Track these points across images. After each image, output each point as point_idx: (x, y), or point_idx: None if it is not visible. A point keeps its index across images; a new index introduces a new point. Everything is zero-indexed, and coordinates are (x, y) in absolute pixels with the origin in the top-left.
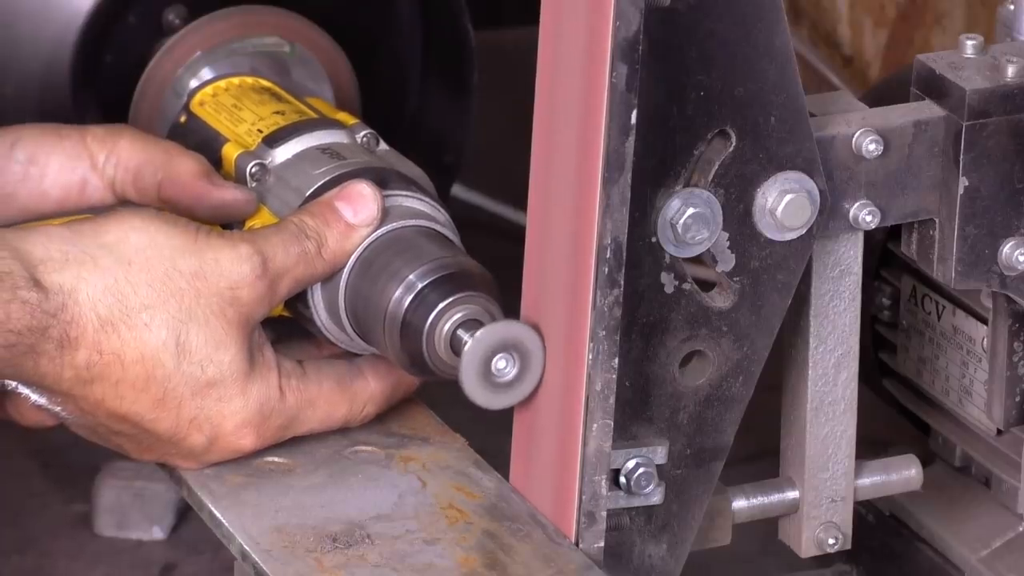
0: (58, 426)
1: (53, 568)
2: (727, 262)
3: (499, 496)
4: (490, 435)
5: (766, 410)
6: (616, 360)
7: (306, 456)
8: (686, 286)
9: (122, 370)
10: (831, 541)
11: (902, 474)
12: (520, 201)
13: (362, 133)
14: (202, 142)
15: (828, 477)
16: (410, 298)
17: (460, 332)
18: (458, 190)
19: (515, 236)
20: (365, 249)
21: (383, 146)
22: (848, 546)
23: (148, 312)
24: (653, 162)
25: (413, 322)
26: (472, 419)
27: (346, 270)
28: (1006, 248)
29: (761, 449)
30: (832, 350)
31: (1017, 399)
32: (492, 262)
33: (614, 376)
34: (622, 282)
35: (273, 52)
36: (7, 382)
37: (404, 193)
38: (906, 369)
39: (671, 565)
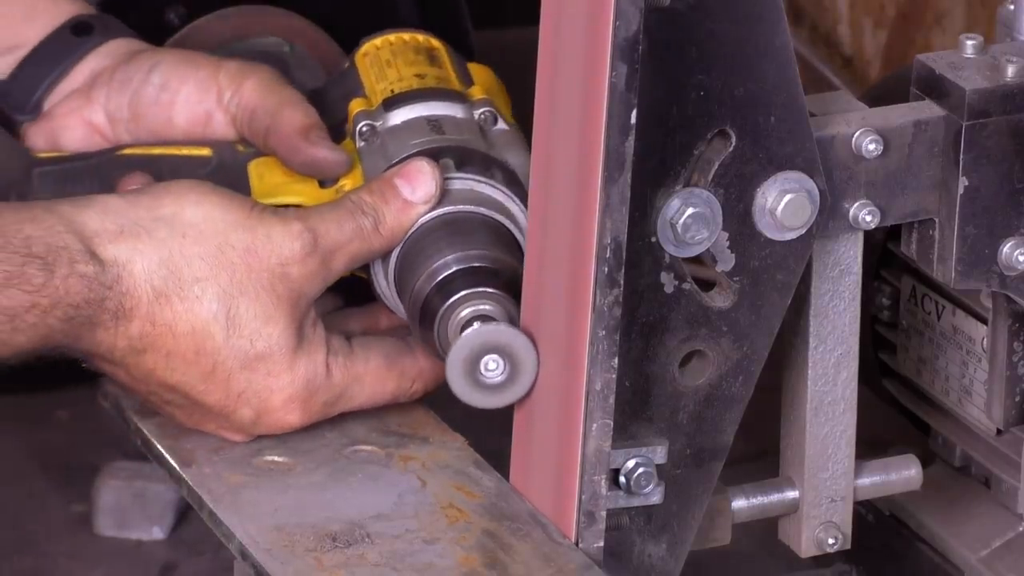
0: (58, 426)
1: (53, 568)
2: (727, 262)
3: (499, 496)
4: (490, 435)
5: (766, 410)
6: (616, 360)
7: (306, 455)
8: (686, 286)
9: (173, 341)
10: (831, 541)
11: (902, 474)
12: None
13: (482, 110)
14: (348, 92)
15: (828, 477)
16: (433, 283)
17: (469, 324)
18: None
19: None
20: (418, 228)
21: (500, 125)
22: (848, 546)
23: (200, 285)
24: (653, 162)
25: (430, 306)
26: (472, 419)
27: (399, 244)
28: (1006, 248)
29: (761, 449)
30: (832, 350)
31: (1017, 399)
32: None
33: (614, 376)
34: (622, 282)
35: (273, 52)
36: None
37: (478, 178)
38: (906, 369)
39: (671, 565)
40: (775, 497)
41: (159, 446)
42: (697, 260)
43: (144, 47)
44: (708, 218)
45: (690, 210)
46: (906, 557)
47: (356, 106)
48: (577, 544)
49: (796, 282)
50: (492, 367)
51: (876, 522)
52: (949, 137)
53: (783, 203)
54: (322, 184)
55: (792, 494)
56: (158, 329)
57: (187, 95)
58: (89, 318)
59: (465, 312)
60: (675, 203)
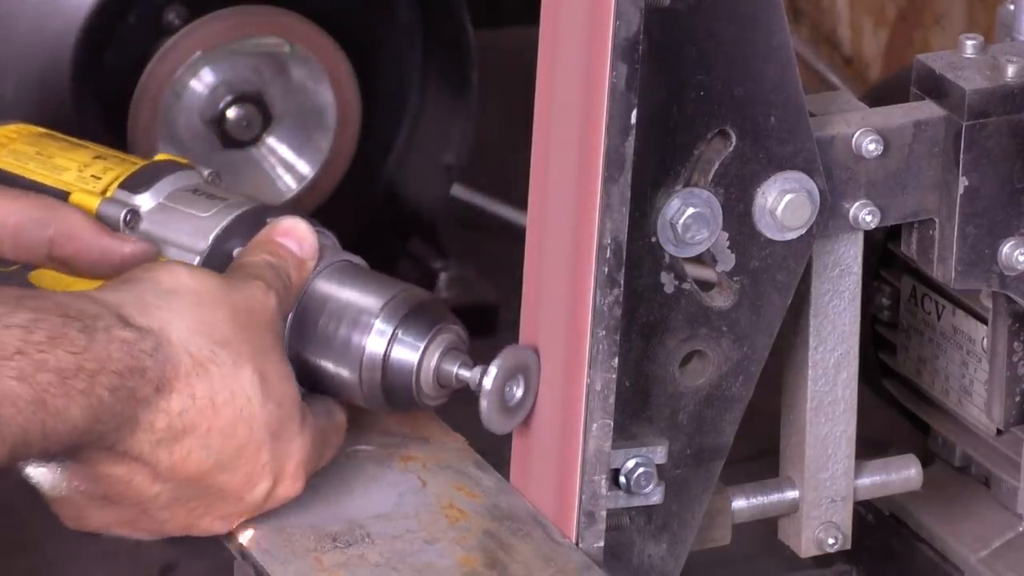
0: None
1: (53, 568)
2: (727, 262)
3: (499, 496)
4: (490, 435)
5: (766, 410)
6: (616, 360)
7: None
8: (686, 286)
9: (214, 414)
10: (831, 541)
11: (902, 474)
12: (520, 201)
13: (207, 172)
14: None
15: (828, 477)
16: (385, 344)
17: (446, 365)
18: (458, 190)
19: (515, 236)
20: (309, 286)
21: (216, 179)
22: (848, 546)
23: (231, 349)
24: (653, 162)
25: (396, 367)
26: (472, 419)
27: (287, 322)
28: (1006, 248)
29: (761, 449)
30: (832, 350)
31: (1017, 399)
32: (492, 262)
33: (614, 376)
34: (622, 282)
35: (273, 52)
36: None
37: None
38: (906, 369)
39: (671, 565)
40: (775, 497)
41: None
42: (697, 260)
43: None
44: (708, 218)
45: (690, 210)
46: (906, 557)
47: (85, 200)
48: (577, 544)
49: (796, 282)
50: (514, 389)
51: (876, 522)
52: (949, 137)
53: (783, 203)
54: None
55: (792, 494)
56: (199, 403)
57: None
58: (132, 392)
59: (436, 357)
60: (675, 203)
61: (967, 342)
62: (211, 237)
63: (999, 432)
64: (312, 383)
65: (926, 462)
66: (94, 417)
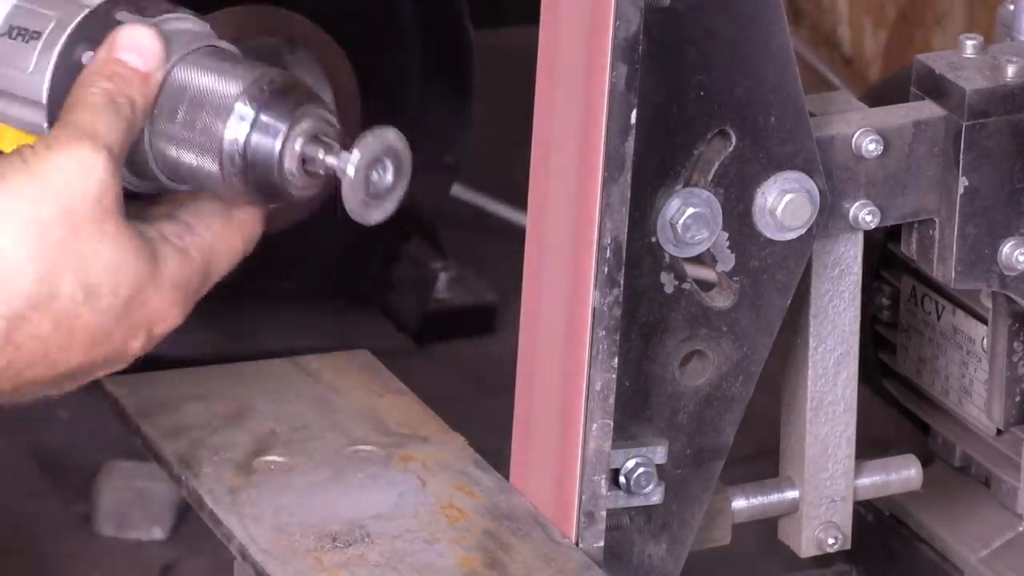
0: (58, 426)
1: (53, 568)
2: (727, 262)
3: (499, 496)
4: (490, 435)
5: (766, 410)
6: (616, 360)
7: (305, 455)
8: (686, 286)
9: (44, 347)
10: (831, 541)
11: (902, 474)
12: (520, 201)
13: None
14: None
15: (828, 477)
16: (246, 129)
17: (310, 151)
18: (458, 190)
19: (515, 236)
20: (159, 93)
21: None
22: (848, 546)
23: (45, 283)
24: (653, 162)
25: (258, 153)
26: (472, 419)
27: (147, 119)
28: (1006, 248)
29: (761, 449)
30: (832, 350)
31: (1017, 399)
32: (492, 262)
33: (614, 376)
34: (622, 282)
35: (273, 52)
36: None
37: (164, 17)
38: (906, 369)
39: (671, 565)
40: (775, 497)
41: (159, 446)
42: (697, 260)
43: None
44: (708, 218)
45: (690, 210)
46: (906, 557)
47: None
48: (577, 544)
49: (796, 282)
50: (382, 171)
51: (876, 522)
52: (949, 137)
53: (783, 203)
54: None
55: (792, 494)
56: (24, 350)
57: None
58: None
59: (299, 141)
60: (675, 203)
61: (967, 342)
62: (55, 53)
63: (999, 432)
64: (179, 179)
65: (926, 462)
66: None
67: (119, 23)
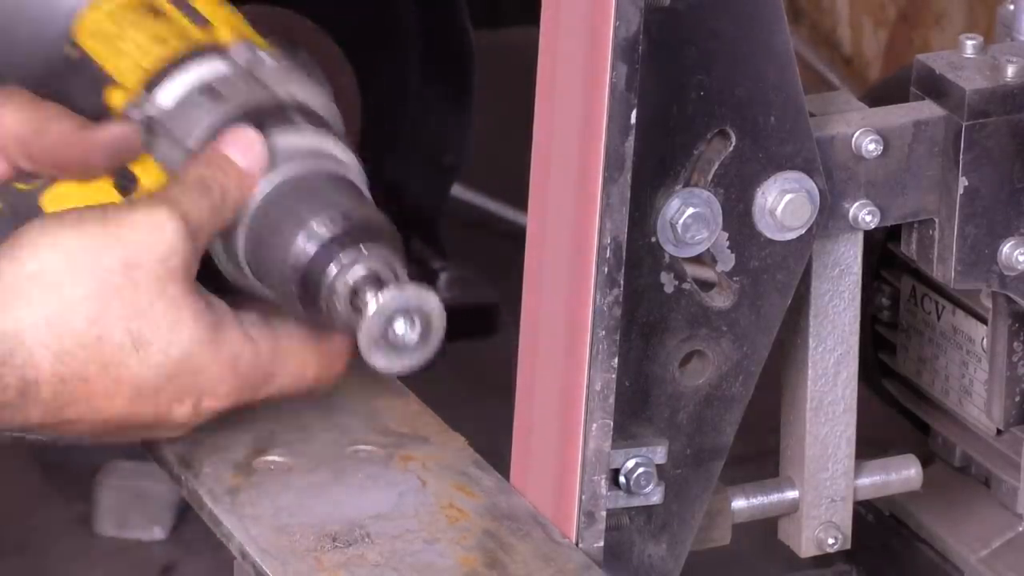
0: None
1: (53, 568)
2: (727, 262)
3: (499, 496)
4: (490, 435)
5: (766, 410)
6: (616, 360)
7: (305, 455)
8: (686, 286)
9: (88, 388)
10: (831, 541)
11: (902, 474)
12: (520, 201)
13: (244, 56)
14: (90, 83)
15: (828, 477)
16: (314, 247)
17: (360, 288)
18: (458, 190)
19: (515, 236)
20: (261, 198)
21: (268, 62)
22: (848, 546)
23: (97, 326)
24: (653, 162)
25: (313, 272)
26: (472, 419)
27: (244, 218)
28: (1006, 248)
29: (761, 449)
30: (832, 350)
31: (1017, 399)
32: (492, 262)
33: (614, 376)
34: (622, 282)
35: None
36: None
37: (285, 129)
38: (906, 369)
39: (671, 565)
40: (775, 497)
41: (159, 446)
42: (697, 260)
43: None
44: (708, 218)
45: (690, 210)
46: (906, 557)
47: (115, 98)
48: (577, 544)
49: (796, 282)
50: (403, 330)
51: (876, 522)
52: (949, 137)
53: (783, 203)
54: (123, 192)
55: (792, 494)
56: (69, 386)
57: None
58: None
59: (354, 277)
60: (675, 203)
61: (967, 342)
62: (188, 147)
63: (999, 432)
64: (261, 280)
65: (926, 462)
66: None
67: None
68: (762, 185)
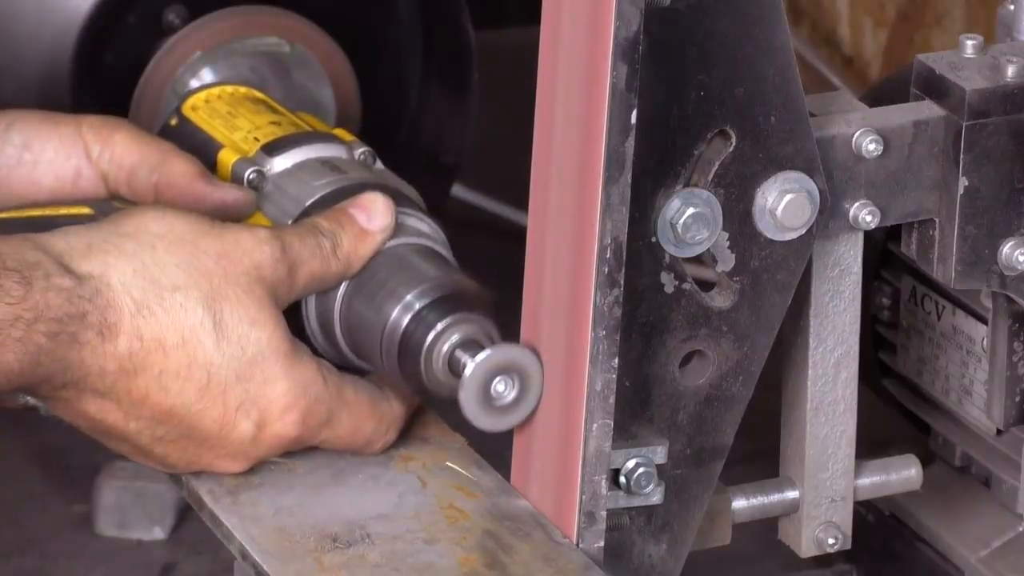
0: (58, 426)
1: (53, 568)
2: (727, 262)
3: (499, 496)
4: (490, 435)
5: (766, 410)
6: (616, 360)
7: (306, 456)
8: (686, 286)
9: (164, 357)
10: (831, 541)
11: (902, 474)
12: (520, 201)
13: (360, 150)
14: (195, 146)
15: (828, 477)
16: (408, 318)
17: (458, 353)
18: (458, 190)
19: (515, 236)
20: (373, 260)
21: (379, 164)
22: (848, 546)
23: (181, 292)
24: (653, 162)
25: (411, 343)
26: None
27: (343, 285)
28: (1006, 248)
29: (761, 449)
30: (832, 350)
31: (1017, 399)
32: (492, 262)
33: (614, 376)
34: (622, 282)
35: (273, 52)
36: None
37: (403, 210)
38: (906, 369)
39: (671, 565)
40: (775, 497)
41: None
42: (697, 260)
43: None
44: (708, 218)
45: (690, 210)
46: (906, 557)
47: (228, 156)
48: (577, 544)
49: (796, 282)
50: (501, 388)
51: (876, 522)
52: (949, 137)
53: (783, 203)
54: None
55: (792, 494)
56: (147, 345)
57: (52, 154)
58: (74, 336)
59: (452, 340)
60: (675, 203)
61: (967, 342)
62: (307, 203)
63: (999, 432)
64: (355, 350)
65: (926, 462)
66: (32, 361)
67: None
68: (762, 185)
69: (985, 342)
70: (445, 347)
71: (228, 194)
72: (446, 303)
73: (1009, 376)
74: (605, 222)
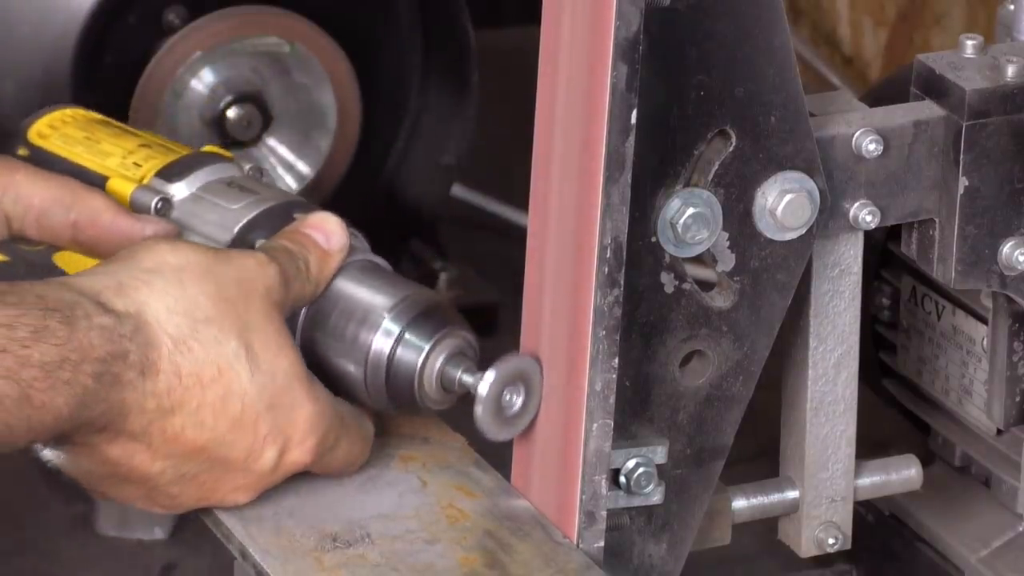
0: None
1: (53, 568)
2: (727, 262)
3: (499, 496)
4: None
5: (766, 410)
6: (616, 360)
7: None
8: (686, 286)
9: (202, 392)
10: (831, 541)
11: (902, 474)
12: (520, 201)
13: (248, 166)
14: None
15: (828, 477)
16: (391, 344)
17: (450, 370)
18: (458, 190)
19: (515, 236)
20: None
21: (267, 178)
22: (848, 546)
23: (215, 325)
24: (653, 162)
25: (401, 368)
26: (472, 419)
27: (303, 310)
28: (1006, 248)
29: (761, 449)
30: (832, 350)
31: (1017, 399)
32: (492, 262)
33: (614, 376)
34: (622, 282)
35: (273, 52)
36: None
37: None
38: (906, 369)
39: (671, 565)
40: (775, 497)
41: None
42: (697, 260)
43: None
44: (708, 218)
45: (690, 210)
46: (906, 557)
47: (121, 186)
48: (577, 544)
49: (796, 282)
50: (510, 397)
51: (876, 522)
52: (949, 137)
53: (783, 203)
54: None
55: (792, 494)
56: (185, 381)
57: None
58: (117, 377)
59: (443, 357)
60: (675, 203)
61: (967, 342)
62: (235, 229)
63: (999, 432)
64: (325, 380)
65: (926, 462)
66: (80, 404)
67: (294, 218)
68: (762, 185)
69: (985, 342)
70: (437, 365)
71: (153, 227)
72: (424, 321)
73: (1009, 376)
74: (605, 222)
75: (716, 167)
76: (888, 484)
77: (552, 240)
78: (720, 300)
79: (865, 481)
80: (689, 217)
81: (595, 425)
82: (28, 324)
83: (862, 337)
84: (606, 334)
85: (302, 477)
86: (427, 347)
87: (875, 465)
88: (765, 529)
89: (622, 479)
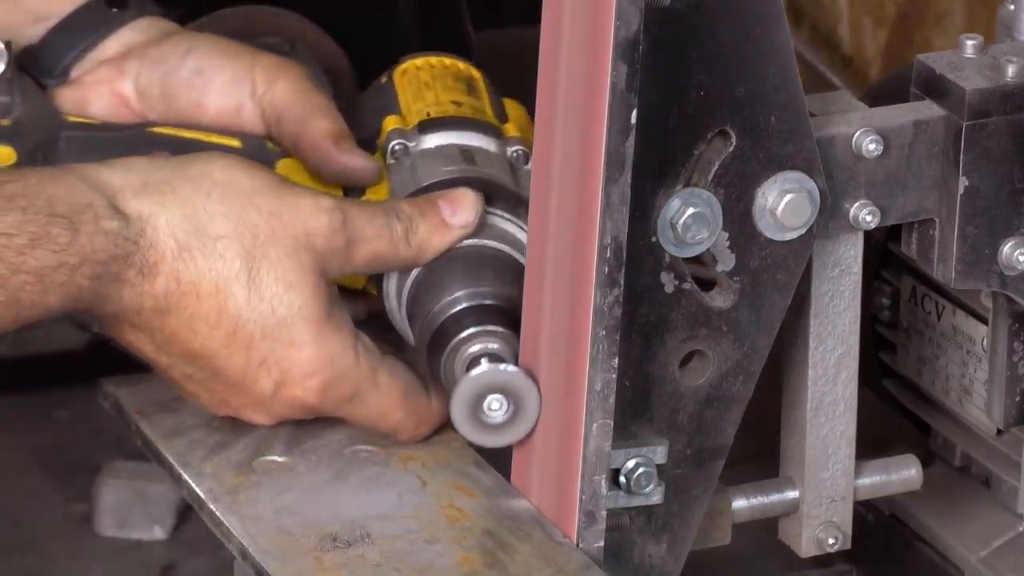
0: (58, 426)
1: (53, 568)
2: (727, 262)
3: (499, 496)
4: None
5: (766, 410)
6: (616, 360)
7: (306, 455)
8: (686, 286)
9: (197, 302)
10: (831, 541)
11: (902, 474)
12: None
13: (515, 148)
14: (382, 108)
15: (828, 477)
16: (449, 314)
17: (476, 360)
18: None
19: None
20: (446, 255)
21: (528, 167)
22: (848, 546)
23: (223, 242)
24: (653, 162)
25: (441, 337)
26: None
27: (415, 271)
28: (1006, 248)
29: (761, 449)
30: (832, 350)
31: (1017, 399)
32: None
33: (614, 376)
34: (622, 282)
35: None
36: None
37: (506, 216)
38: (906, 369)
39: (671, 565)
40: (775, 497)
41: (159, 446)
42: (697, 260)
43: (178, 28)
44: (708, 218)
45: (690, 210)
46: (906, 557)
47: (390, 123)
48: (577, 544)
49: (796, 282)
50: (495, 407)
51: (876, 522)
52: (949, 137)
53: (783, 203)
54: (347, 194)
55: (792, 494)
56: (182, 288)
57: (221, 84)
58: (116, 275)
59: (475, 348)
60: (675, 203)
61: (967, 342)
62: (421, 184)
63: (999, 432)
64: (411, 323)
65: (926, 462)
66: (72, 300)
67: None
68: (762, 185)
69: (985, 342)
70: (470, 351)
71: (352, 160)
72: (487, 312)
73: (1009, 376)
74: (605, 222)
75: (716, 167)
76: (888, 484)
77: (552, 240)
78: (720, 300)
79: (865, 481)
80: (689, 217)
81: (595, 425)
82: (29, 231)
83: (862, 337)
84: (606, 334)
85: (302, 476)
86: (473, 330)
87: (875, 465)
88: (765, 529)
89: (622, 479)
